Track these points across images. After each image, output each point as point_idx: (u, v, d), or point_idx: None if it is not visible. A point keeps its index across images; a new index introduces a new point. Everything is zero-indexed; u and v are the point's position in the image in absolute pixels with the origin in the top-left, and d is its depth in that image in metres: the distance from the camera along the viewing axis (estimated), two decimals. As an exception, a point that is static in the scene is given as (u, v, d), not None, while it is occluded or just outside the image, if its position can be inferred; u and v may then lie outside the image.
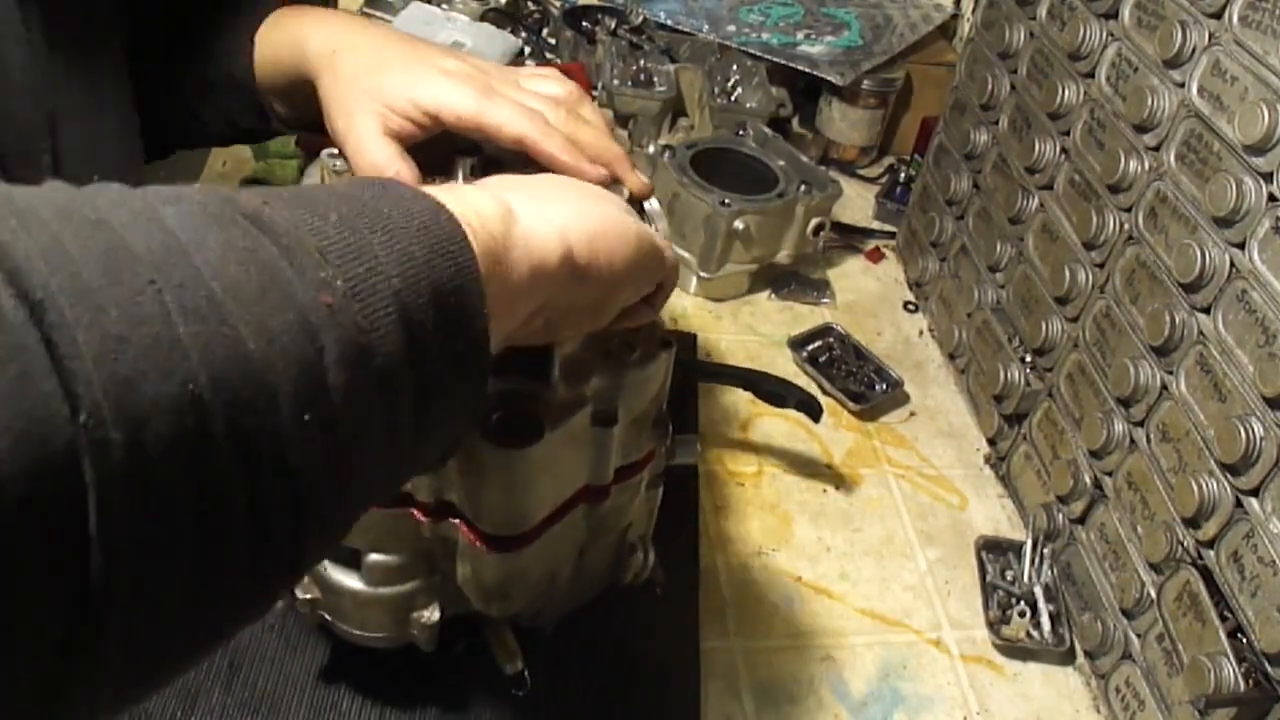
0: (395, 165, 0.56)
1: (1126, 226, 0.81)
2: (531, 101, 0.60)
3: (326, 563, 0.61)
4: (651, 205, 0.64)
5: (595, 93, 1.28)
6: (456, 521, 0.58)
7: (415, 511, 0.58)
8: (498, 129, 0.57)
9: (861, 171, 1.41)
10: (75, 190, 0.29)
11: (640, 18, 1.37)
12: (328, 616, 0.65)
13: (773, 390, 0.92)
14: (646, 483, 0.67)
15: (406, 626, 0.65)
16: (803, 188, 1.12)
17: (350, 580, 0.62)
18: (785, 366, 1.06)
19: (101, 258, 0.26)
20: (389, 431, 0.34)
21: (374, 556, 0.61)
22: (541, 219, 0.43)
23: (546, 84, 0.63)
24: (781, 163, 1.17)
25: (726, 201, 1.07)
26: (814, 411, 0.90)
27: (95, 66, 0.60)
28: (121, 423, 0.24)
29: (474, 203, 0.39)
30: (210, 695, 0.67)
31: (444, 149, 0.61)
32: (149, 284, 0.26)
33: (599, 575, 0.70)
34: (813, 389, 1.03)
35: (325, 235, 0.32)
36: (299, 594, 0.64)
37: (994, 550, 0.90)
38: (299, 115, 0.66)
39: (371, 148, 0.57)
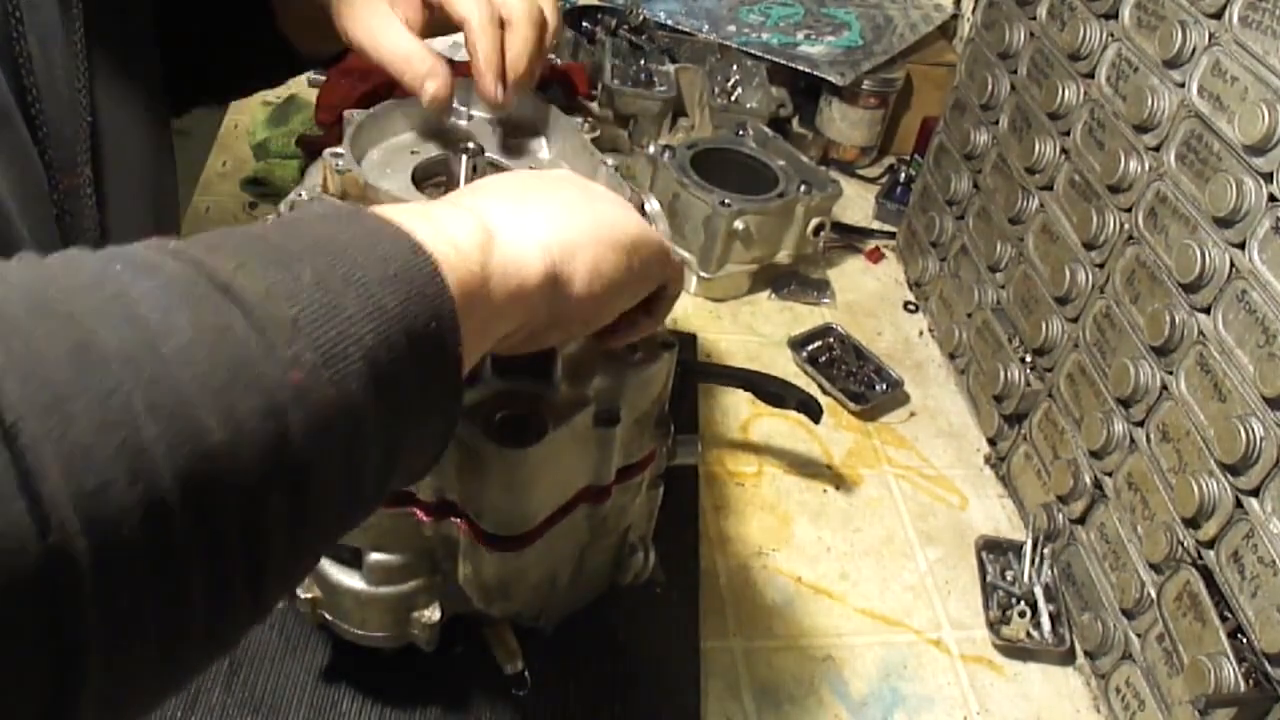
0: (428, 57, 0.59)
1: (1126, 226, 0.81)
2: None
3: (327, 562, 0.61)
4: (652, 206, 0.64)
5: (595, 92, 1.28)
6: (458, 521, 0.58)
7: (417, 511, 0.58)
8: (443, 5, 0.59)
9: (861, 171, 1.41)
10: (46, 270, 0.29)
11: (640, 18, 1.37)
12: (328, 616, 0.65)
13: (773, 391, 0.92)
14: (647, 483, 0.67)
15: (407, 626, 0.65)
16: (803, 188, 1.12)
17: (351, 580, 0.62)
18: (785, 366, 1.06)
19: (72, 358, 0.26)
20: (354, 480, 0.34)
21: (375, 556, 0.61)
22: (524, 235, 0.42)
23: None
24: (781, 163, 1.17)
25: (726, 201, 1.07)
26: (814, 412, 0.90)
27: (132, 69, 0.61)
28: (88, 533, 0.25)
29: (452, 234, 0.38)
30: (210, 695, 0.67)
31: (446, 144, 0.62)
32: (119, 385, 0.26)
33: (600, 576, 0.70)
34: (813, 389, 1.03)
35: (298, 299, 0.32)
36: (300, 594, 0.64)
37: (994, 550, 0.90)
38: (319, 48, 0.69)
39: (400, 41, 0.59)
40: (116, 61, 0.58)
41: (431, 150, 0.65)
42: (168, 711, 0.66)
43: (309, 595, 0.64)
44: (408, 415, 0.35)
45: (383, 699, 0.69)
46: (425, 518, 0.59)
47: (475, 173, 0.61)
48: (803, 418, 0.92)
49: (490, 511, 0.57)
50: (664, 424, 0.65)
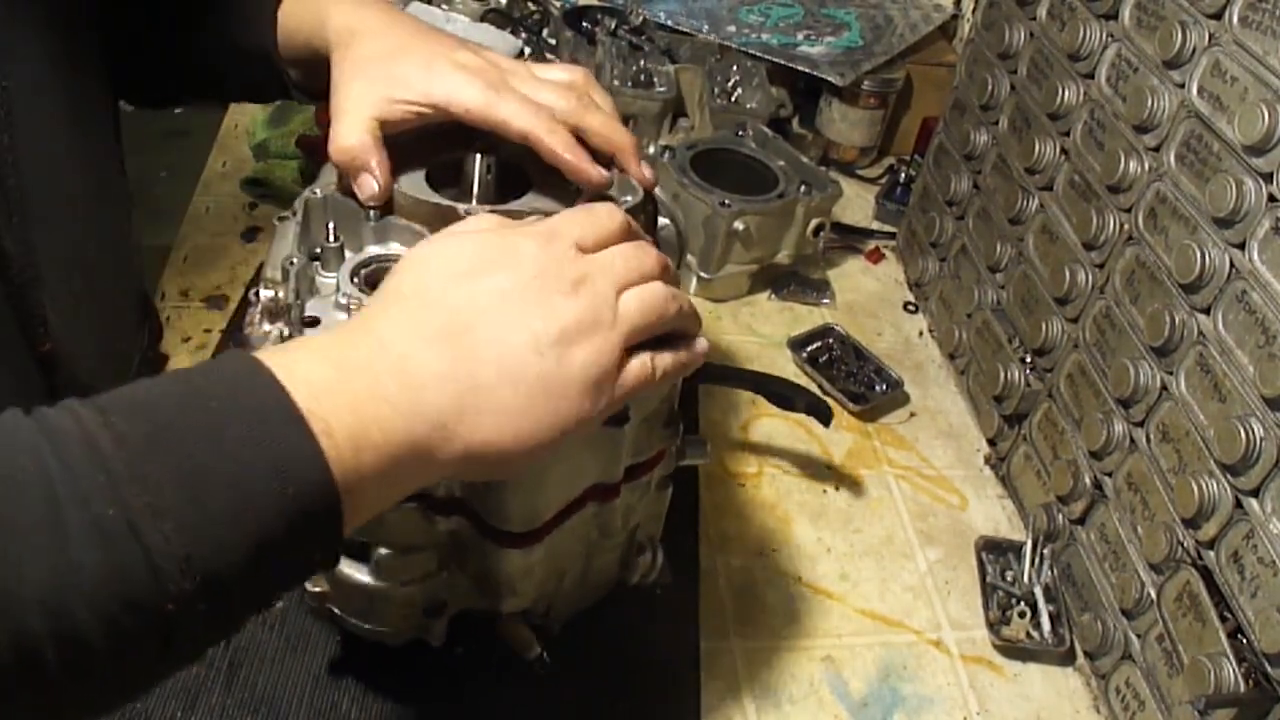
0: (370, 156, 0.57)
1: (1126, 227, 0.81)
2: (542, 92, 0.60)
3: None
4: (668, 230, 0.64)
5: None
6: (467, 518, 0.59)
7: (427, 507, 0.58)
8: (504, 124, 0.58)
9: (861, 172, 1.41)
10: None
11: (640, 18, 1.37)
12: (336, 610, 0.65)
13: (781, 393, 0.91)
14: (656, 483, 0.67)
15: (416, 620, 0.65)
16: (803, 188, 1.12)
17: (360, 574, 0.62)
18: (785, 367, 1.06)
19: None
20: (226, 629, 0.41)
21: (384, 551, 0.61)
22: (443, 449, 0.44)
23: (556, 71, 0.63)
24: (781, 163, 1.17)
25: (726, 202, 1.07)
26: (823, 415, 0.90)
27: (54, 34, 0.58)
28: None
29: (356, 438, 0.41)
30: (210, 695, 0.67)
31: (460, 144, 0.62)
32: (28, 623, 0.33)
33: (607, 575, 0.70)
34: (812, 389, 1.03)
35: (193, 537, 0.36)
36: (309, 587, 0.64)
37: (994, 550, 0.90)
38: (315, 86, 0.67)
39: (349, 134, 0.57)
40: (36, 15, 0.56)
41: (446, 146, 0.65)
42: (167, 711, 0.66)
43: (318, 589, 0.64)
44: (279, 591, 0.42)
45: (383, 700, 0.69)
46: (435, 514, 0.59)
47: (489, 173, 0.61)
48: (804, 418, 0.92)
49: (499, 507, 0.57)
50: (673, 424, 0.65)
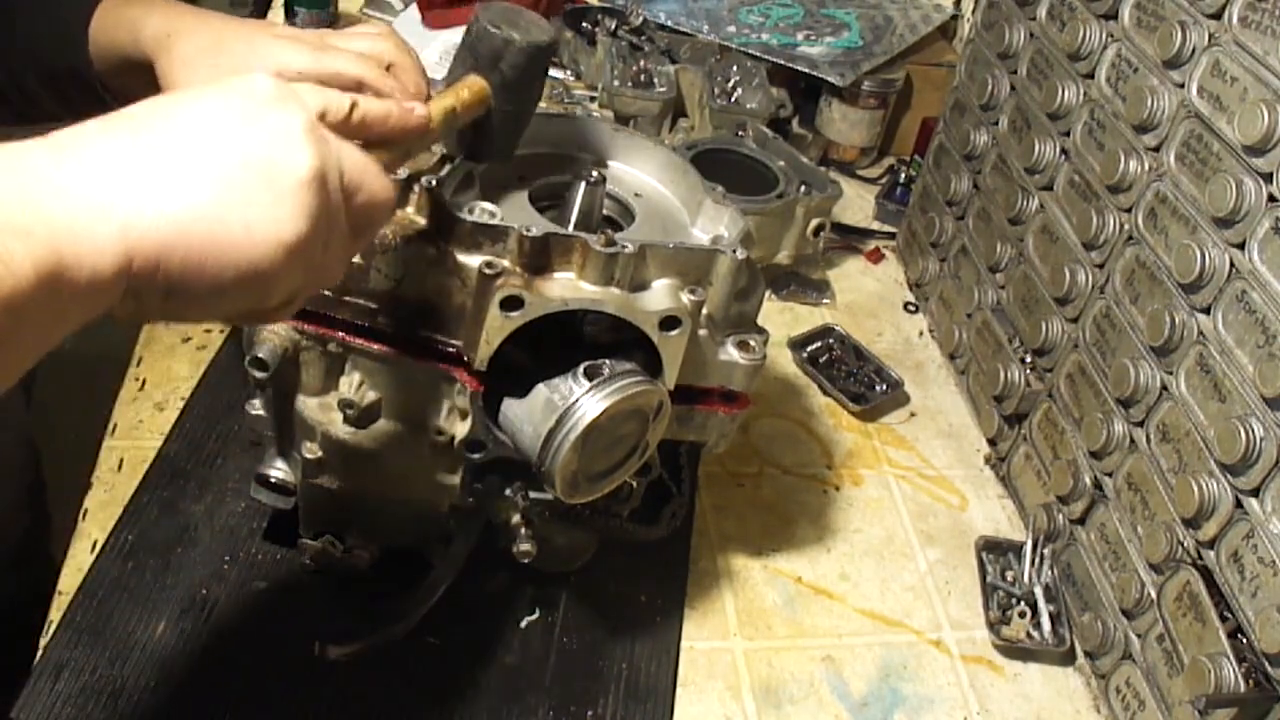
0: None
1: (1126, 227, 0.81)
2: (357, 42, 0.63)
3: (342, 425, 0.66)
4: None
5: (595, 94, 1.28)
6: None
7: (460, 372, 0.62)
8: (336, 75, 0.59)
9: (861, 172, 1.41)
10: None
11: (640, 18, 1.37)
12: (331, 482, 0.68)
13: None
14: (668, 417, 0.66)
15: (423, 479, 0.68)
16: (803, 188, 1.12)
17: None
18: (785, 367, 1.06)
19: None
20: None
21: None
22: (103, 224, 0.37)
23: (363, 30, 0.66)
24: (781, 163, 1.17)
25: (727, 202, 1.07)
26: None
27: None
28: None
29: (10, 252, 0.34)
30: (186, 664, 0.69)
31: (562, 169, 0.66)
32: None
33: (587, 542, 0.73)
34: (813, 389, 1.03)
35: None
36: (305, 455, 0.67)
37: (994, 550, 0.90)
38: (136, 96, 0.68)
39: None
40: None
41: (543, 176, 0.68)
42: (141, 682, 0.67)
43: (313, 456, 0.67)
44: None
45: (363, 689, 0.70)
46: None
47: (593, 201, 0.64)
48: (803, 418, 0.92)
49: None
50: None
